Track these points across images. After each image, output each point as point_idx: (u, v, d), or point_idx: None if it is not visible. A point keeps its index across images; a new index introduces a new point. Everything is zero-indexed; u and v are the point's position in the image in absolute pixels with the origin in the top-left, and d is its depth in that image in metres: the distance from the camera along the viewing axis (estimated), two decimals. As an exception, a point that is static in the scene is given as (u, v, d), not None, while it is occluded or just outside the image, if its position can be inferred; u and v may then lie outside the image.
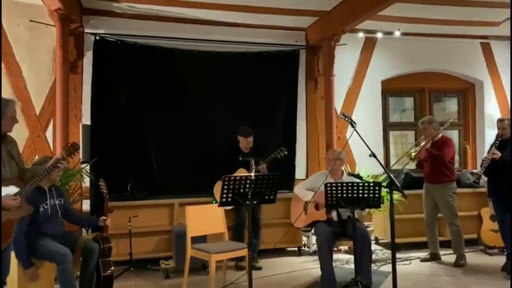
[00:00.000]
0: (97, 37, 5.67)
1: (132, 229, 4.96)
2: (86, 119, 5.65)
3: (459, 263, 5.01)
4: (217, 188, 4.87)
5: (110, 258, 4.06)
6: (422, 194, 5.32)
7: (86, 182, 5.31)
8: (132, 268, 4.92)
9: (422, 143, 5.07)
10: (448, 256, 5.22)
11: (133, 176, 5.59)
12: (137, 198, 5.32)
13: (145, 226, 5.21)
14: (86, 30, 5.69)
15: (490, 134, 6.84)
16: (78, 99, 5.70)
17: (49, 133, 5.58)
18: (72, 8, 5.23)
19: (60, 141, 5.19)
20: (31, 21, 5.35)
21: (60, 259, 3.52)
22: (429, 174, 5.16)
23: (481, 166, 4.73)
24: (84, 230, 5.04)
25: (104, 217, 4.09)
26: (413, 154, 5.01)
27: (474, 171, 4.99)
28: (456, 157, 7.42)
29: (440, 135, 5.15)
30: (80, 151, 5.31)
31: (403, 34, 6.69)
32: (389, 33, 6.69)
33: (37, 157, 5.18)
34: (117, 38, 5.73)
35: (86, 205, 5.32)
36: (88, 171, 5.14)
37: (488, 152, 4.68)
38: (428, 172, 5.17)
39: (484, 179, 4.97)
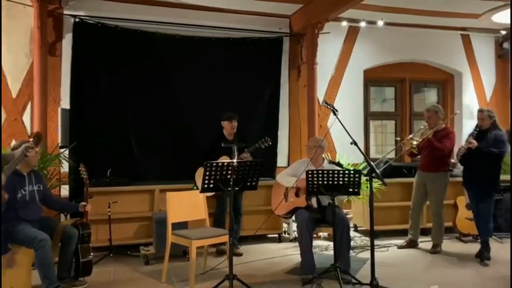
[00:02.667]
0: (77, 19, 5.54)
1: (112, 215, 4.91)
2: (65, 103, 5.54)
3: (435, 250, 5.13)
4: (199, 174, 4.86)
5: (90, 244, 4.04)
6: (414, 181, 5.35)
7: (65, 167, 5.23)
8: (111, 254, 4.88)
9: (426, 132, 5.04)
10: (424, 243, 5.34)
11: (113, 161, 5.52)
12: (117, 183, 5.26)
13: (125, 212, 5.17)
14: (65, 12, 5.55)
15: (467, 124, 6.98)
16: (56, 82, 5.58)
17: (26, 117, 5.45)
18: (50, -12, 5.10)
19: (38, 125, 5.10)
20: (7, 0, 5.18)
21: (38, 245, 3.48)
22: (425, 163, 5.17)
23: (457, 155, 4.82)
24: (62, 215, 4.98)
25: (84, 203, 4.05)
26: (415, 143, 5.04)
27: (452, 160, 5.08)
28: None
29: (443, 125, 5.16)
30: (59, 135, 5.28)
31: (386, 24, 6.73)
32: (372, 23, 6.72)
33: (14, 141, 5.07)
34: (97, 20, 5.61)
35: (64, 191, 5.24)
36: (67, 156, 5.06)
37: (466, 142, 4.77)
38: (424, 161, 5.17)
39: (460, 168, 5.06)
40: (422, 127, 5.28)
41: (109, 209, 4.88)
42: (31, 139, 3.34)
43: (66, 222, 4.33)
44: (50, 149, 5.12)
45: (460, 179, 5.13)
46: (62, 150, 5.10)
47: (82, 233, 3.94)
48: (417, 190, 5.31)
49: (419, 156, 5.29)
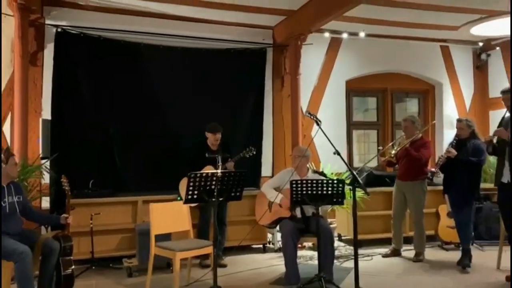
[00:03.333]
0: (59, 29, 5.50)
1: (94, 227, 4.85)
2: (47, 114, 5.47)
3: (418, 259, 5.18)
4: (183, 184, 4.83)
5: (71, 257, 3.97)
6: (393, 190, 5.43)
7: (46, 178, 5.15)
8: (93, 267, 4.81)
9: (403, 142, 5.14)
10: (408, 251, 5.39)
11: (95, 172, 5.46)
12: (99, 195, 5.20)
13: (107, 224, 5.11)
14: (47, 22, 5.50)
15: (448, 134, 7.11)
16: (38, 93, 5.51)
17: (6, 128, 5.36)
18: (32, -2, 5.05)
19: (19, 136, 5.00)
20: (-12, 10, 5.12)
21: (18, 258, 3.40)
22: (403, 172, 5.25)
23: (436, 163, 4.92)
24: (43, 228, 4.89)
25: (65, 215, 3.99)
26: (393, 152, 5.11)
27: (432, 169, 5.17)
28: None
29: (420, 135, 5.25)
30: (40, 146, 5.19)
31: (368, 35, 6.85)
32: (354, 34, 6.82)
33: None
34: (80, 30, 5.57)
35: (45, 203, 5.15)
36: (48, 167, 4.98)
37: (445, 151, 4.86)
38: (402, 170, 5.26)
39: (440, 176, 5.16)
40: (400, 137, 5.38)
41: (91, 221, 4.82)
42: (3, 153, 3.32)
43: (47, 234, 4.25)
44: (31, 160, 5.03)
45: (441, 187, 5.21)
46: (43, 161, 5.02)
47: (63, 245, 3.88)
48: (396, 199, 5.38)
49: (397, 166, 5.37)
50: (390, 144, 5.56)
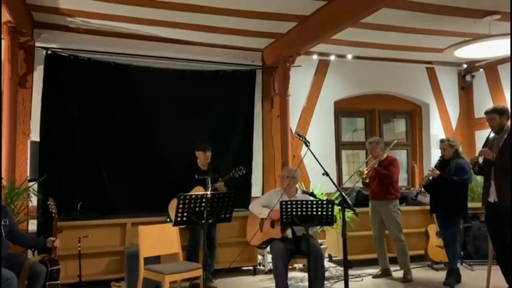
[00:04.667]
0: (49, 52, 5.53)
1: (82, 250, 4.76)
2: (35, 136, 5.45)
3: (406, 278, 5.18)
4: (172, 206, 4.81)
5: (58, 282, 3.90)
6: (369, 211, 5.48)
7: (34, 201, 5.09)
8: (81, 291, 4.72)
9: (371, 162, 5.28)
10: (398, 271, 5.38)
11: (83, 194, 5.42)
12: (87, 217, 5.14)
13: (95, 247, 5.02)
14: (37, 44, 5.54)
15: (435, 154, 7.20)
16: (26, 115, 5.50)
17: (-6, 150, 5.31)
18: (23, 22, 5.09)
19: (6, 158, 4.96)
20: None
21: (4, 284, 3.33)
22: (375, 192, 5.33)
23: (420, 184, 5.00)
24: (30, 251, 4.80)
25: (52, 238, 3.94)
26: (365, 172, 5.19)
27: (416, 188, 5.27)
28: (404, 175, 7.74)
29: (386, 155, 5.36)
30: (28, 168, 5.15)
31: (355, 57, 6.98)
32: (341, 56, 6.95)
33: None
34: (70, 53, 5.61)
35: (32, 225, 5.08)
36: (36, 190, 4.93)
37: (429, 171, 4.94)
38: (375, 189, 5.34)
39: (427, 196, 5.22)
40: (367, 159, 5.49)
41: (79, 244, 4.74)
42: None
43: (34, 258, 4.17)
44: (19, 183, 4.98)
45: (428, 207, 5.25)
46: (31, 183, 4.97)
47: (50, 269, 3.82)
48: (374, 220, 5.42)
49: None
50: (359, 167, 5.66)
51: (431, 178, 4.84)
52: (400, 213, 5.32)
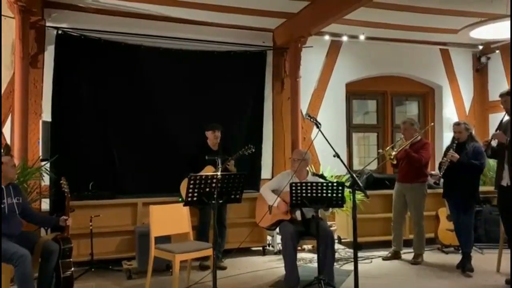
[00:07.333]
0: (59, 31, 5.50)
1: (93, 229, 4.84)
2: (47, 116, 5.47)
3: (416, 261, 5.18)
4: (184, 186, 4.83)
5: (71, 259, 3.97)
6: (393, 192, 5.43)
7: (46, 180, 5.15)
8: (93, 269, 4.80)
9: (403, 144, 5.17)
10: (408, 254, 5.39)
11: (95, 174, 5.45)
12: (99, 197, 5.19)
13: (107, 226, 5.10)
14: (47, 24, 5.51)
15: (448, 137, 7.10)
16: (38, 95, 5.52)
17: (6, 130, 5.36)
18: (32, 1, 5.05)
19: (19, 138, 5.01)
20: (-12, 12, 5.13)
21: (17, 261, 3.40)
22: (403, 174, 5.26)
23: (439, 168, 4.90)
24: (43, 230, 4.89)
25: (65, 217, 3.99)
26: (393, 154, 5.12)
27: (433, 172, 5.16)
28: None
29: (419, 137, 5.27)
30: (40, 148, 5.20)
31: (367, 38, 6.85)
32: (354, 37, 6.83)
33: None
34: (80, 33, 5.58)
35: (45, 204, 5.15)
36: (48, 169, 4.98)
37: (445, 155, 4.85)
38: (403, 172, 5.27)
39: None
40: (399, 139, 5.40)
41: (91, 223, 4.81)
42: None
43: (46, 236, 4.25)
44: (31, 162, 5.04)
45: (441, 190, 5.21)
46: (43, 163, 5.02)
47: (63, 247, 3.87)
48: (397, 201, 5.38)
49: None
50: (390, 146, 5.57)
51: (449, 162, 4.74)
52: (425, 199, 5.24)
